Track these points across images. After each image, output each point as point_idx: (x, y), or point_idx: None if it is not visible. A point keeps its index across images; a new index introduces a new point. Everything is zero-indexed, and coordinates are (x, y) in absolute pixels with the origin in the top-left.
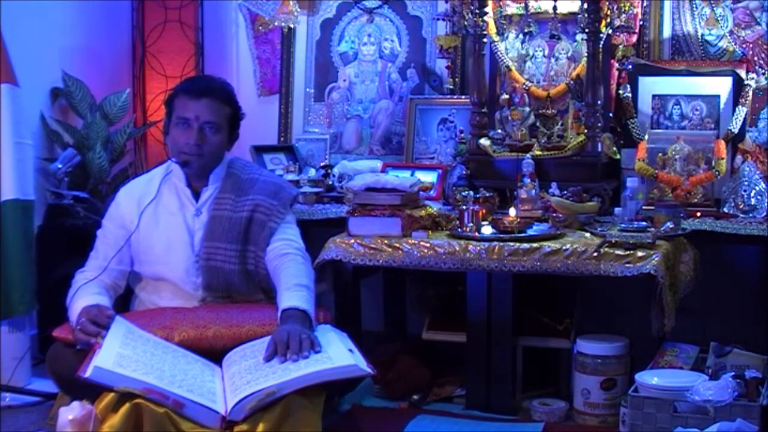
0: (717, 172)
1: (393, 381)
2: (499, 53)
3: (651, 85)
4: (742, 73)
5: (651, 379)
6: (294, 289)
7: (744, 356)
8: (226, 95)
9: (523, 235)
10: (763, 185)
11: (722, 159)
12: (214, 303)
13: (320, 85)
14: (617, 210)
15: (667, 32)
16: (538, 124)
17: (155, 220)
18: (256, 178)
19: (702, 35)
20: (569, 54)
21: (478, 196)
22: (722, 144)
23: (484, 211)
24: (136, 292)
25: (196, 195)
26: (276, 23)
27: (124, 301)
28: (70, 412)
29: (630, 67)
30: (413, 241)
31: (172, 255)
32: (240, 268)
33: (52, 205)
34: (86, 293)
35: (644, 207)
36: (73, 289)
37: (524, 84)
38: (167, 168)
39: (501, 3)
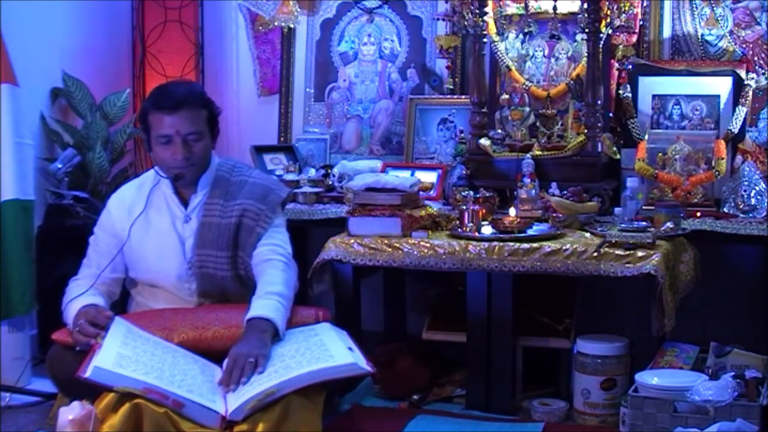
0: (717, 172)
1: (393, 381)
2: (499, 53)
3: (651, 85)
4: (742, 73)
5: (651, 379)
6: (264, 297)
7: (744, 356)
8: (199, 99)
9: (523, 235)
10: (763, 185)
11: (722, 159)
12: (212, 304)
13: (320, 85)
14: (617, 210)
15: (667, 32)
16: (538, 124)
17: (146, 229)
18: (246, 180)
19: (702, 35)
20: (569, 54)
21: (478, 196)
22: (722, 144)
23: (484, 211)
24: (132, 295)
25: (185, 202)
26: (276, 23)
27: (121, 304)
28: (70, 412)
29: (630, 67)
30: (413, 241)
31: (164, 263)
32: (232, 274)
33: (52, 205)
34: (81, 299)
35: (644, 207)
36: (67, 297)
37: (524, 84)
38: (156, 176)
39: (501, 3)
